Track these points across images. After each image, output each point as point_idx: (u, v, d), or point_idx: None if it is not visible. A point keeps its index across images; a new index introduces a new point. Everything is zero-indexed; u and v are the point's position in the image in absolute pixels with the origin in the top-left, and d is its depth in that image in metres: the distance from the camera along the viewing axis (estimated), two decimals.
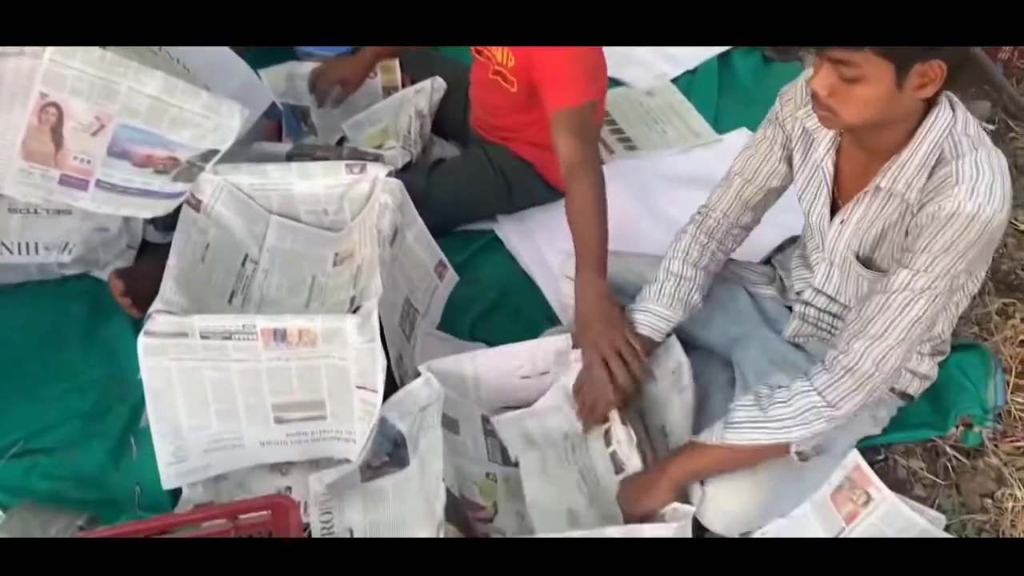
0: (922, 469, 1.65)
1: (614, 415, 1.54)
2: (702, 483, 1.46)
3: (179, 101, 1.64)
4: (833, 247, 1.46)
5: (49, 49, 1.53)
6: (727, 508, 1.44)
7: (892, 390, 1.56)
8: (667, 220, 2.20)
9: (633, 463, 1.49)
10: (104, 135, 1.65)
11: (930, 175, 1.29)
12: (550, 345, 1.62)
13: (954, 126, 1.28)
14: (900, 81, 1.21)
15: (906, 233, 1.32)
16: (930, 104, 1.28)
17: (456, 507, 1.37)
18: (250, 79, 2.04)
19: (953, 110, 1.29)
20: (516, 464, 1.56)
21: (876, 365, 1.31)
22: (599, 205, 1.62)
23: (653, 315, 1.56)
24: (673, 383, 1.58)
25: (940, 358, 1.59)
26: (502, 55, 1.92)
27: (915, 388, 1.58)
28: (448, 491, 1.35)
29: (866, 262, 1.43)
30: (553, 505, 1.48)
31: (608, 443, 1.55)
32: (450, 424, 1.51)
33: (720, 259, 1.63)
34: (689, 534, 1.37)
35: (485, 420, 1.59)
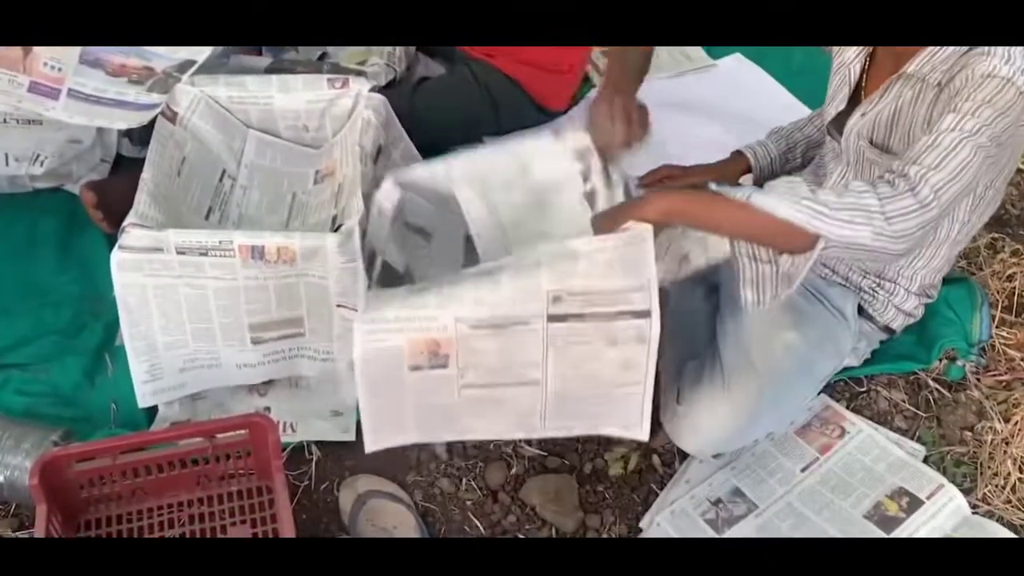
0: (904, 401, 1.65)
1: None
2: (677, 400, 1.46)
3: None
4: (847, 140, 1.44)
5: None
6: (701, 427, 1.44)
7: (874, 323, 1.56)
8: (656, 145, 2.16)
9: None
10: None
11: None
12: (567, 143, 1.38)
13: None
14: None
15: (929, 110, 1.30)
16: None
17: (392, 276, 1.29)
18: None
19: None
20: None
21: (935, 193, 1.18)
22: None
23: (758, 144, 1.64)
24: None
25: (927, 300, 1.58)
26: None
27: (899, 324, 1.57)
28: (383, 263, 1.29)
29: (881, 147, 1.40)
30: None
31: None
32: (419, 231, 1.42)
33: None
34: (648, 262, 1.14)
35: (468, 239, 1.40)
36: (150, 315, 1.42)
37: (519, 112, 2.09)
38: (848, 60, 1.43)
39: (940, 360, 1.68)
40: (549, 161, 1.40)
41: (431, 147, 1.98)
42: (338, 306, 1.42)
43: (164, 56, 1.64)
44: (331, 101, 1.67)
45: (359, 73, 1.88)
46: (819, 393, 1.60)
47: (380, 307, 1.15)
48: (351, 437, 1.54)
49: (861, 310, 1.55)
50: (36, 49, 1.57)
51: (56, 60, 1.58)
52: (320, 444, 1.54)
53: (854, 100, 1.44)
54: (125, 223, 1.39)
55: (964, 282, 1.75)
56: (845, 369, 1.61)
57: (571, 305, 1.14)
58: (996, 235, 1.93)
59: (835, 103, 1.46)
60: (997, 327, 1.73)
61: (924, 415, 1.63)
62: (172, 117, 1.59)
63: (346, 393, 1.51)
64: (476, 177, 1.40)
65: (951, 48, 1.26)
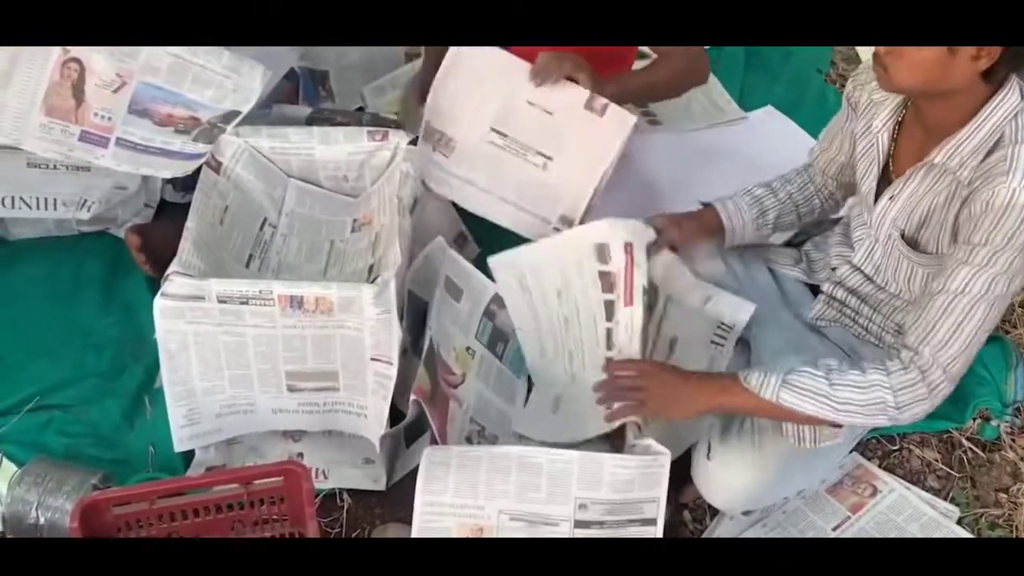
0: (937, 460, 1.64)
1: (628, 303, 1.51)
2: (708, 456, 1.46)
3: (201, 59, 1.62)
4: (879, 223, 1.44)
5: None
6: (731, 483, 1.44)
7: None
8: (688, 195, 2.17)
9: (632, 350, 1.46)
10: (125, 92, 1.63)
11: (986, 156, 1.25)
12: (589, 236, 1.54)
13: (1021, 111, 1.24)
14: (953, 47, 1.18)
15: (955, 219, 1.29)
16: (998, 86, 1.25)
17: (433, 358, 1.45)
18: None
19: (1022, 96, 1.26)
20: (499, 355, 1.64)
21: (944, 371, 1.27)
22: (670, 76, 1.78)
23: (731, 201, 1.61)
24: (709, 337, 1.56)
25: None
26: None
27: None
28: (431, 340, 1.45)
29: (911, 242, 1.40)
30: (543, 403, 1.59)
31: (609, 317, 1.53)
32: (453, 291, 1.57)
33: (814, 207, 1.65)
34: (662, 481, 1.31)
35: (493, 302, 1.62)
36: (189, 361, 1.45)
37: None
38: (877, 130, 1.42)
39: (974, 419, 1.67)
40: (576, 259, 1.56)
41: None
42: (372, 359, 1.44)
43: (209, 107, 1.69)
44: (371, 152, 1.70)
45: (397, 124, 1.92)
46: (851, 451, 1.59)
47: (438, 491, 1.30)
48: (381, 487, 1.56)
49: None
50: (88, 98, 1.62)
51: (106, 110, 1.63)
52: (351, 491, 1.56)
53: (884, 172, 1.43)
54: (169, 271, 1.42)
55: (998, 341, 1.73)
56: (876, 427, 1.61)
57: (595, 513, 1.31)
58: None
59: (870, 179, 1.46)
60: None
61: (958, 475, 1.62)
62: (216, 167, 1.63)
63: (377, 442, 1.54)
64: (516, 269, 1.60)
65: (977, 139, 1.25)
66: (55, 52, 1.57)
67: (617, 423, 1.41)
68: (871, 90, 1.44)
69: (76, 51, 1.57)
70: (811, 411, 1.29)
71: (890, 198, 1.40)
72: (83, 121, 1.63)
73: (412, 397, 1.37)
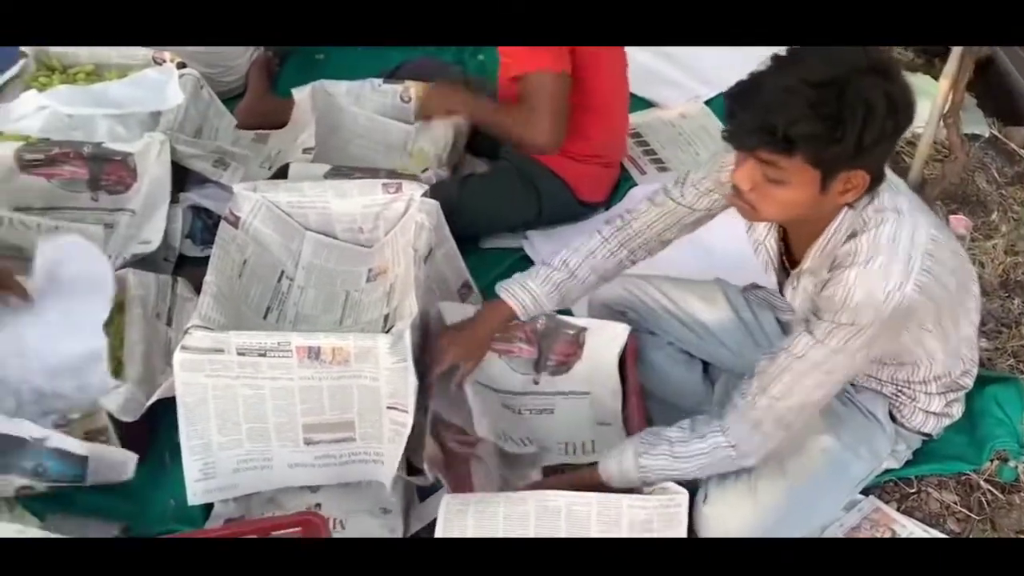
0: (955, 503, 1.63)
1: None
2: (704, 500, 1.46)
3: None
4: (794, 304, 1.48)
5: None
6: (726, 528, 1.44)
7: (907, 428, 1.55)
8: (697, 242, 2.18)
9: None
10: None
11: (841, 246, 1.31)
12: None
13: (869, 203, 1.29)
14: (824, 186, 1.22)
15: None
16: None
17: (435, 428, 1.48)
18: None
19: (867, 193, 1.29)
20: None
21: (777, 424, 1.35)
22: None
23: (529, 293, 1.57)
24: None
25: (956, 394, 1.55)
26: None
27: (931, 426, 1.55)
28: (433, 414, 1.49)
29: None
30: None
31: None
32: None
33: (626, 267, 1.63)
34: (682, 520, 1.37)
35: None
36: (208, 415, 1.47)
37: (560, 201, 2.15)
38: (761, 238, 1.47)
39: (992, 461, 1.66)
40: None
41: (476, 237, 2.07)
42: (388, 408, 1.45)
43: None
44: (385, 204, 1.74)
45: (413, 177, 1.96)
46: (868, 495, 1.59)
47: (458, 521, 1.37)
48: (399, 536, 1.56)
49: (892, 416, 1.55)
50: None
51: None
52: None
53: (782, 265, 1.47)
54: (188, 324, 1.45)
55: (1013, 382, 1.74)
56: (891, 470, 1.60)
57: None
58: None
59: (769, 278, 1.52)
60: None
61: (977, 518, 1.61)
62: (235, 221, 1.67)
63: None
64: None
65: (834, 242, 1.31)
66: None
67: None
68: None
69: None
70: (671, 479, 1.40)
71: (792, 288, 1.44)
72: None
73: (425, 465, 1.41)
